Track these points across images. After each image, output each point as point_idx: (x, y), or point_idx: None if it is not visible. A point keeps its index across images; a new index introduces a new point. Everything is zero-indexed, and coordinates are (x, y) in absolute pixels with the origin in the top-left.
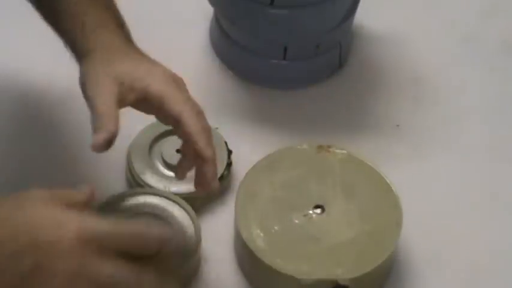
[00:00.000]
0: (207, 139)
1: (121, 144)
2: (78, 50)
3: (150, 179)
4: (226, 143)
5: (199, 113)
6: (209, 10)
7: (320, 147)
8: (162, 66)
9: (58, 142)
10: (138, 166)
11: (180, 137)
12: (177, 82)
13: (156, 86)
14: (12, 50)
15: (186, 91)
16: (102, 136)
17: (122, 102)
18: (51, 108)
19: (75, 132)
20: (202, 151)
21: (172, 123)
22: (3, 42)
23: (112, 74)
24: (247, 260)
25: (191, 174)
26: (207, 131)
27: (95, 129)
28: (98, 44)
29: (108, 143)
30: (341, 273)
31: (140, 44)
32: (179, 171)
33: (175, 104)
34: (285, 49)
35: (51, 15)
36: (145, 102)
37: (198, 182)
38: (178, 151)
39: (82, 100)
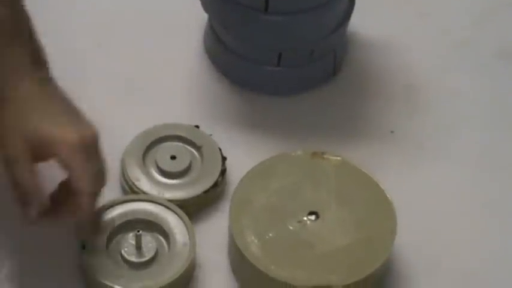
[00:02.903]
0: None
1: (115, 151)
2: None
3: (144, 185)
4: (220, 149)
5: (92, 196)
6: (203, 16)
7: (314, 153)
8: (73, 127)
9: None
10: (132, 172)
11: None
12: (86, 147)
13: (62, 154)
14: None
15: (94, 156)
16: (34, 211)
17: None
18: None
19: None
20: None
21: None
22: None
23: (23, 133)
24: (242, 266)
25: (184, 180)
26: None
27: (23, 203)
28: (11, 97)
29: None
30: (335, 280)
31: (134, 51)
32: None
33: (77, 180)
34: (279, 56)
35: None
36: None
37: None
38: (172, 157)
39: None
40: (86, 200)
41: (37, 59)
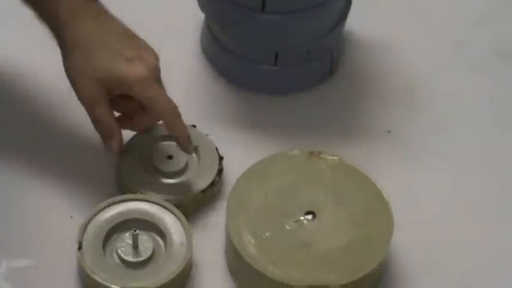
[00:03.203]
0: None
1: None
2: (57, 42)
3: (141, 184)
4: (217, 149)
5: (177, 114)
6: (200, 16)
7: (311, 153)
8: (140, 60)
9: (49, 148)
10: (128, 172)
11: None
12: (156, 78)
13: (137, 90)
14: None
15: (160, 81)
16: (116, 145)
17: (111, 96)
18: (43, 113)
19: (65, 140)
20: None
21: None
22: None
23: (96, 76)
24: (239, 266)
25: (181, 179)
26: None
27: (109, 140)
28: (73, 40)
29: (121, 149)
30: (332, 280)
31: None
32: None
33: (160, 110)
34: (276, 55)
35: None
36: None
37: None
38: (169, 157)
39: (74, 106)
40: (173, 120)
41: None
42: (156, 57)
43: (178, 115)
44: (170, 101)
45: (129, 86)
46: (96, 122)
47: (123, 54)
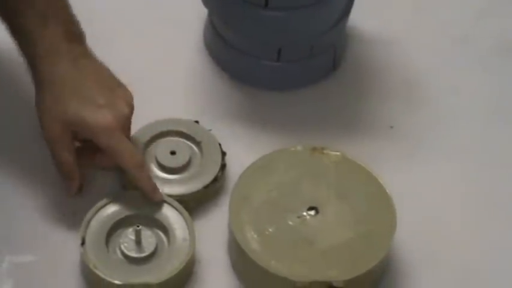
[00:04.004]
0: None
1: None
2: (32, 78)
3: None
4: (220, 144)
5: (140, 162)
6: (203, 12)
7: (314, 149)
8: (110, 108)
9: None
10: None
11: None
12: (124, 126)
13: (100, 138)
14: None
15: (128, 131)
16: (74, 188)
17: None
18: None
19: None
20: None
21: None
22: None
23: (63, 119)
24: (241, 262)
25: (184, 175)
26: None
27: (66, 179)
28: (48, 79)
29: (79, 190)
30: (335, 275)
31: (134, 46)
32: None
33: (123, 159)
34: (279, 51)
35: (14, 35)
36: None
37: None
38: (172, 153)
39: None
40: (135, 172)
41: (72, 37)
42: (130, 108)
43: (140, 166)
44: (133, 153)
45: (93, 133)
46: (57, 163)
47: (93, 100)
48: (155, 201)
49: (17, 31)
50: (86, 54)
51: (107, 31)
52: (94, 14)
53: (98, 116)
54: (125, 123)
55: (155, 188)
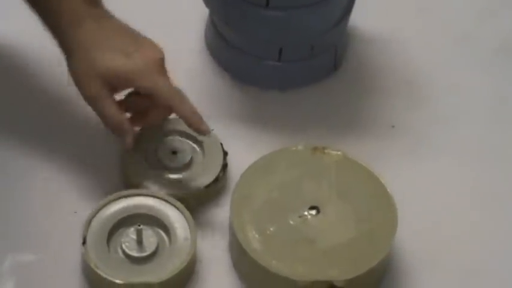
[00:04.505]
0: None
1: (116, 146)
2: (58, 42)
3: (145, 180)
4: (221, 144)
5: (182, 96)
6: (204, 11)
7: (315, 148)
8: (140, 54)
9: (53, 143)
10: (133, 167)
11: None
12: (158, 67)
13: (137, 82)
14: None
15: (165, 73)
16: (129, 139)
17: (116, 91)
18: (48, 108)
19: (71, 134)
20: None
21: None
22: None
23: (98, 74)
24: (243, 261)
25: (185, 175)
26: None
27: (120, 134)
28: (75, 43)
29: (135, 140)
30: (336, 275)
31: None
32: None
33: (163, 95)
34: (280, 50)
35: (34, 9)
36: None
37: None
38: (174, 152)
39: (79, 102)
40: (179, 103)
41: (90, 0)
42: (159, 51)
43: (183, 97)
44: (173, 89)
45: (128, 79)
46: (104, 118)
47: (123, 49)
48: (204, 134)
49: (38, 4)
50: (106, 14)
51: None
52: None
53: (129, 62)
54: (160, 64)
55: (201, 120)
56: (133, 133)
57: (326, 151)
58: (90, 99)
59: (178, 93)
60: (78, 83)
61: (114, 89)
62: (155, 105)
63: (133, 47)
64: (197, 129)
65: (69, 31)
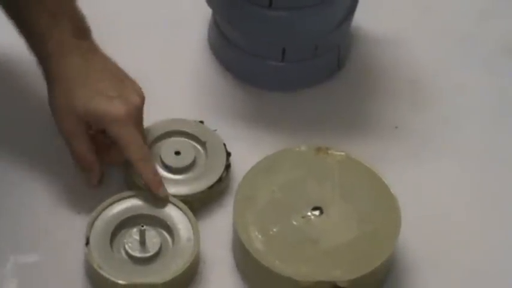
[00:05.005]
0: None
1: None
2: (43, 70)
3: None
4: (225, 145)
5: (146, 155)
6: (207, 12)
7: (318, 149)
8: (121, 99)
9: (57, 144)
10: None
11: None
12: (135, 118)
13: (111, 128)
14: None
15: (140, 123)
16: (95, 179)
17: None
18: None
19: None
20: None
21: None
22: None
23: (75, 112)
24: (246, 262)
25: (188, 175)
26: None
27: (86, 171)
28: (59, 75)
29: (99, 181)
30: (339, 275)
31: (138, 47)
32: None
33: (128, 149)
34: (283, 51)
35: (20, 30)
36: None
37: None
38: (177, 153)
39: None
40: (140, 165)
41: (79, 33)
42: (141, 97)
43: (147, 160)
44: (141, 145)
45: (105, 123)
46: (75, 156)
47: (105, 92)
48: (160, 197)
49: (25, 29)
50: (94, 49)
51: (111, 32)
52: (99, 15)
53: (110, 107)
54: (137, 114)
55: (160, 183)
56: (100, 174)
57: (329, 152)
58: (64, 133)
59: (143, 155)
60: (55, 115)
61: (89, 127)
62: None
63: (115, 92)
64: (155, 193)
65: (54, 63)
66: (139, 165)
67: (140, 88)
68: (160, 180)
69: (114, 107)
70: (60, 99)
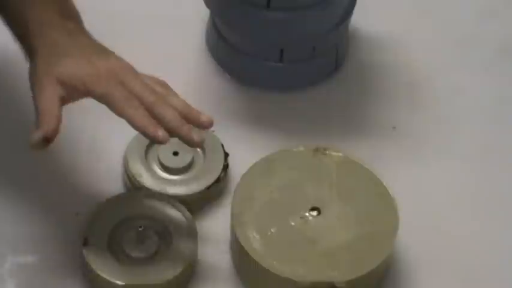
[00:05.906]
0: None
1: (118, 147)
2: (24, 48)
3: (146, 181)
4: (222, 145)
5: (134, 105)
6: (205, 12)
7: (316, 149)
8: (103, 61)
9: (55, 145)
10: (134, 168)
11: None
12: (120, 78)
13: (96, 87)
14: None
15: (131, 80)
16: (38, 133)
17: (66, 100)
18: None
19: (72, 135)
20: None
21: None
22: None
23: (54, 73)
24: (244, 262)
25: (186, 176)
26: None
27: (37, 127)
28: (40, 45)
29: (47, 140)
30: (337, 276)
31: (135, 48)
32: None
33: (117, 107)
34: (281, 52)
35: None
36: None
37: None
38: (175, 153)
39: (80, 104)
40: (127, 113)
41: (66, 13)
42: (126, 63)
43: (134, 107)
44: (129, 96)
45: (84, 83)
46: (40, 108)
47: (86, 57)
48: (160, 140)
49: (7, 11)
50: (82, 31)
51: (108, 32)
52: (95, 15)
53: (89, 67)
54: (121, 73)
55: (156, 126)
56: (56, 130)
57: (327, 152)
58: (35, 92)
59: (130, 102)
60: (32, 82)
61: (69, 96)
62: None
63: (98, 57)
64: (153, 138)
65: (36, 35)
66: (126, 114)
67: (125, 60)
68: (155, 124)
69: (94, 66)
70: (40, 65)
